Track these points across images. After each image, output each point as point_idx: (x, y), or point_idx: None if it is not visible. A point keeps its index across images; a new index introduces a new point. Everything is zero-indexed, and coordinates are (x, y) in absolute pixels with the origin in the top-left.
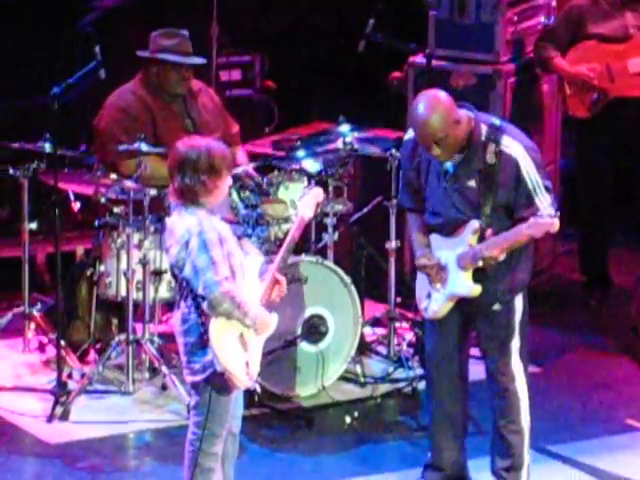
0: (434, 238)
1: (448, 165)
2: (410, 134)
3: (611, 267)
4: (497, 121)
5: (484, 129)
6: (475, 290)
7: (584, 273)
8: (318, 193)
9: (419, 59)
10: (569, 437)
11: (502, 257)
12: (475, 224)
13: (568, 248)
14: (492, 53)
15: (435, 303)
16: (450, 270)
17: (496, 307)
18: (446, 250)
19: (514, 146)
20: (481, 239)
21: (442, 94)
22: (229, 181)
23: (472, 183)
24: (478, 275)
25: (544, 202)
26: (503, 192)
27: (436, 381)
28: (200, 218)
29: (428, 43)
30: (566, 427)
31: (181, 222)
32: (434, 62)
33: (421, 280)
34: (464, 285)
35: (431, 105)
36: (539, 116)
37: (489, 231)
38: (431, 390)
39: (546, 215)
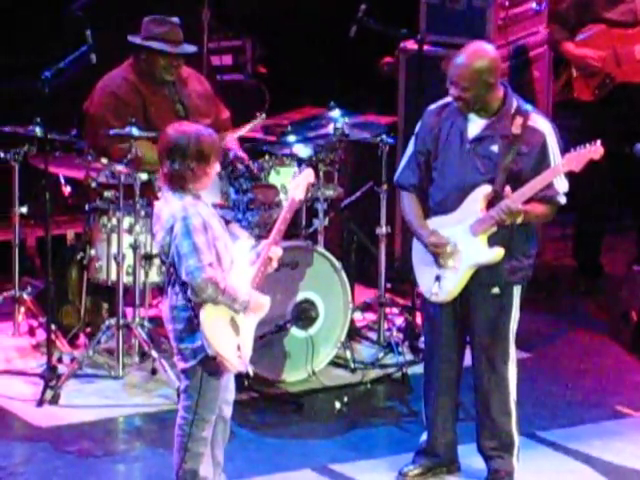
0: (432, 221)
1: (474, 128)
2: (435, 105)
3: (601, 253)
4: (528, 105)
5: (515, 103)
6: (498, 253)
7: (576, 259)
8: (309, 174)
9: (410, 44)
10: (558, 423)
11: (520, 219)
12: (487, 189)
13: (562, 233)
14: (483, 39)
15: (449, 282)
16: (462, 243)
17: (495, 290)
18: (450, 227)
19: (542, 123)
20: (489, 206)
21: (494, 55)
22: (217, 168)
23: (495, 148)
24: (491, 242)
25: (562, 186)
26: (522, 161)
27: (438, 370)
28: (185, 204)
29: (419, 28)
30: (555, 413)
31: (167, 207)
32: (425, 47)
33: (422, 265)
34: (484, 252)
35: (477, 55)
36: (531, 102)
37: (507, 188)
38: (431, 379)
39: (562, 194)
